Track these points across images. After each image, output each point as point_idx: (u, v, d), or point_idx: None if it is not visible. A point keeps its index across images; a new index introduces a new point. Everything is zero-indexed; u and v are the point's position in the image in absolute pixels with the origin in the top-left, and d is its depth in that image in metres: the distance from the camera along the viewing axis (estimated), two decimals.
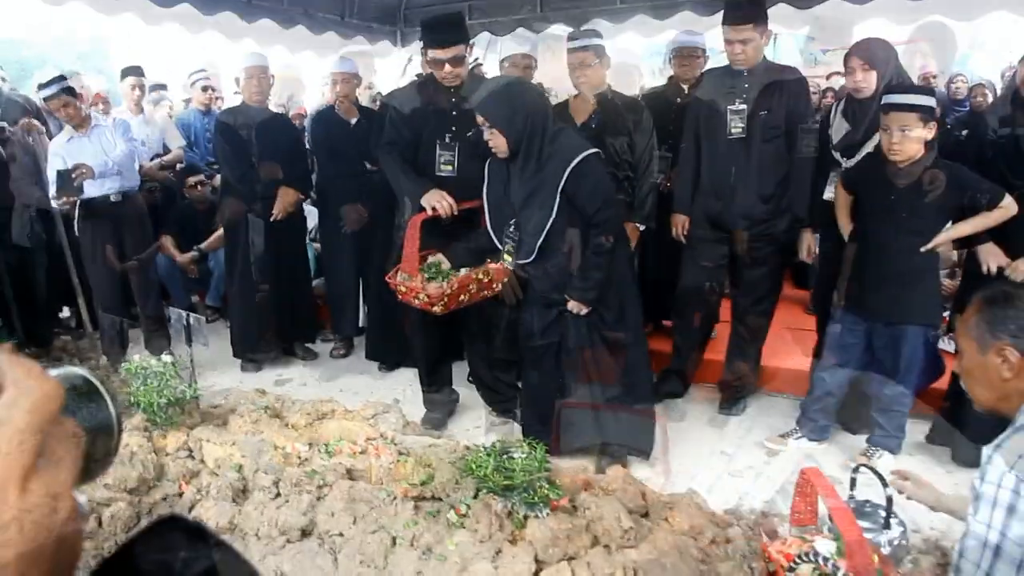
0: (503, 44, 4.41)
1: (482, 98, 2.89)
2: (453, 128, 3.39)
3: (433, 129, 3.40)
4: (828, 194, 3.40)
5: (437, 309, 3.06)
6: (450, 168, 3.38)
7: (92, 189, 4.38)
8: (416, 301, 3.07)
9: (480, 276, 3.12)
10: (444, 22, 3.39)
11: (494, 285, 3.20)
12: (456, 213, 3.20)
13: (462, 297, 3.09)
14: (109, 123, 4.61)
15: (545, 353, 3.14)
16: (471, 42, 3.41)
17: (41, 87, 4.43)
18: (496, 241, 3.06)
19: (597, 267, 2.96)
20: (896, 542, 2.50)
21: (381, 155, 3.51)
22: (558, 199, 2.90)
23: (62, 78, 4.45)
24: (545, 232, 2.94)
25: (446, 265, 3.14)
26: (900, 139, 2.87)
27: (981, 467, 1.55)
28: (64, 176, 4.14)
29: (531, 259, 3.00)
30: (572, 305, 3.01)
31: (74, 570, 0.42)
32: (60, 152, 4.37)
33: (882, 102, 2.96)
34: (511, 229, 2.99)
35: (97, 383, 0.51)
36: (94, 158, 4.33)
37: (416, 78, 3.92)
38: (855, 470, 2.65)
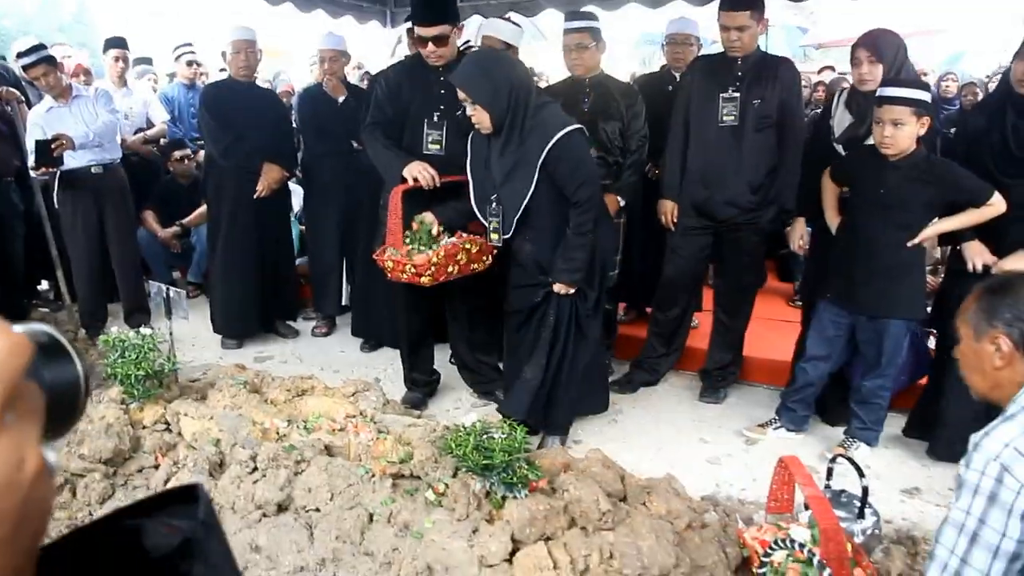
0: (484, 27, 4.36)
1: (464, 73, 2.86)
2: (441, 107, 3.36)
3: (420, 108, 3.38)
4: None
5: (425, 280, 3.04)
6: (437, 147, 3.35)
7: (72, 160, 4.31)
8: (404, 276, 3.06)
9: (468, 246, 3.12)
10: (431, 0, 3.33)
11: (484, 258, 3.20)
12: (438, 184, 3.17)
13: (451, 268, 3.08)
14: (91, 94, 4.54)
15: (527, 331, 3.13)
16: (460, 23, 3.37)
17: (20, 55, 4.35)
18: (481, 218, 3.04)
19: (580, 247, 2.94)
20: (869, 531, 2.53)
21: (365, 135, 3.48)
22: (537, 173, 2.88)
23: (42, 46, 4.36)
24: (523, 207, 2.92)
25: (433, 226, 3.13)
26: (892, 132, 2.87)
27: (967, 454, 1.56)
28: (42, 146, 4.07)
29: (509, 235, 2.99)
30: (558, 287, 3.01)
31: (44, 529, 0.40)
32: (39, 122, 4.30)
33: (876, 94, 2.95)
34: (493, 205, 2.97)
35: (63, 340, 0.49)
36: (75, 129, 4.26)
37: (404, 59, 3.88)
38: (832, 460, 2.67)
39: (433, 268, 3.02)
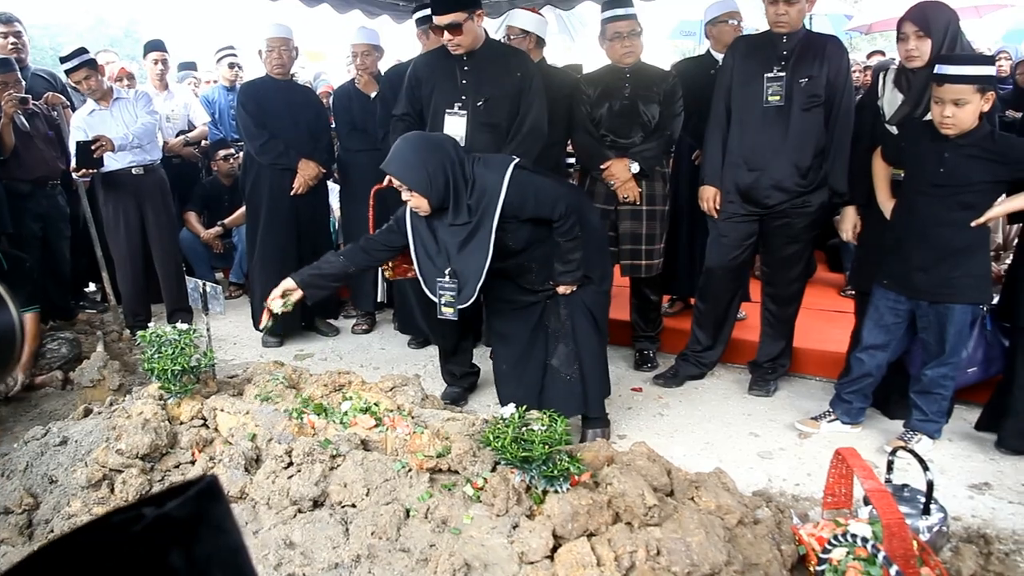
0: (508, 18, 4.30)
1: (397, 161, 2.76)
2: (463, 97, 3.33)
3: (441, 98, 3.35)
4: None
5: (387, 274, 3.21)
6: (458, 138, 3.29)
7: (113, 162, 4.36)
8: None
9: None
10: None
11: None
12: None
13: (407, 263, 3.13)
14: (131, 97, 4.59)
15: (535, 329, 3.12)
16: (479, 10, 3.29)
17: (63, 60, 4.41)
18: (429, 294, 2.95)
19: (573, 249, 2.91)
20: (936, 528, 2.37)
21: (391, 126, 3.50)
22: (493, 238, 2.80)
23: (83, 51, 4.42)
24: (483, 275, 2.85)
25: None
26: (954, 112, 2.70)
27: None
28: (83, 148, 4.12)
29: (469, 303, 2.90)
30: (563, 289, 2.98)
31: None
32: (81, 125, 4.36)
33: (935, 72, 2.75)
34: (447, 279, 2.88)
35: None
36: (115, 131, 4.30)
37: (432, 50, 3.84)
38: (892, 453, 2.52)
39: (392, 264, 3.12)
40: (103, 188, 4.49)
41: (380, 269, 3.28)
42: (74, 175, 4.33)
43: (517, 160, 2.89)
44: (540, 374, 3.11)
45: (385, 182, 3.21)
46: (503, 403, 2.81)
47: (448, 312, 2.93)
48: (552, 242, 2.92)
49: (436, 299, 2.93)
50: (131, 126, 4.36)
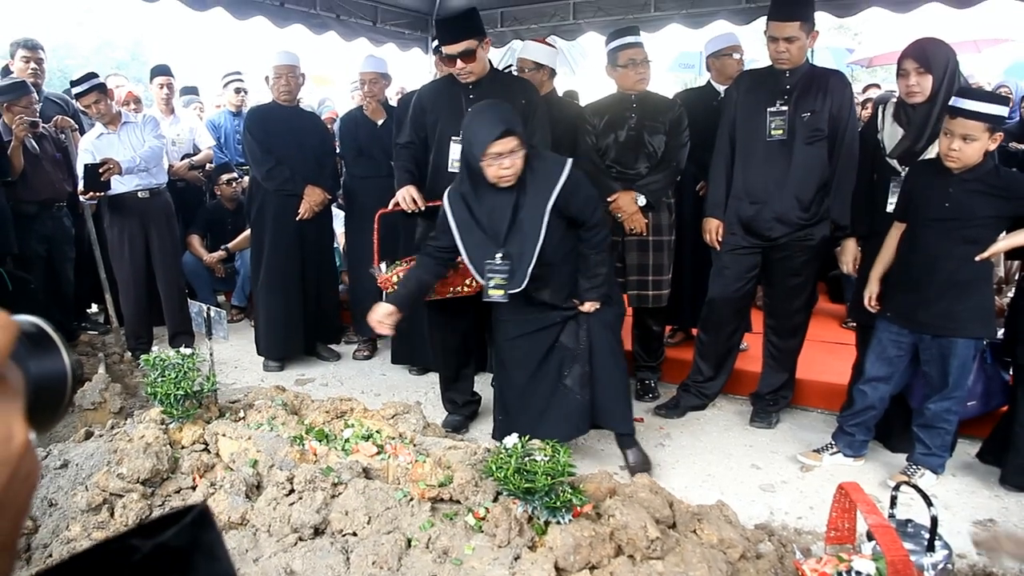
0: (520, 50, 4.37)
1: (503, 124, 2.77)
2: None
3: (446, 126, 3.39)
4: (892, 206, 3.16)
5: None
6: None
7: (120, 185, 4.39)
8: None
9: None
10: (453, 17, 3.37)
11: (467, 281, 3.18)
12: (421, 208, 3.33)
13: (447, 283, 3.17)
14: (139, 120, 4.63)
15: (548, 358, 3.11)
16: (487, 37, 3.36)
17: (73, 84, 4.47)
18: (479, 277, 2.95)
19: (601, 263, 2.97)
20: (941, 566, 2.35)
21: (395, 153, 3.58)
22: (546, 221, 2.83)
23: (93, 75, 4.48)
24: (535, 257, 2.86)
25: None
26: (961, 147, 2.73)
27: None
28: (91, 171, 4.15)
29: (523, 286, 2.89)
30: (587, 306, 2.99)
31: (28, 504, 0.41)
32: (89, 148, 4.39)
33: (950, 104, 2.78)
34: (498, 261, 2.88)
35: (52, 333, 0.48)
36: (123, 154, 4.34)
37: (436, 79, 3.92)
38: (896, 488, 2.51)
39: (395, 286, 3.16)
40: (109, 211, 4.51)
41: (379, 287, 3.32)
42: (81, 198, 4.36)
43: (572, 159, 2.97)
44: (545, 399, 3.10)
45: (391, 206, 3.26)
46: (500, 436, 2.72)
47: (496, 295, 2.92)
48: (575, 258, 2.95)
49: (484, 282, 2.93)
50: (138, 149, 4.40)
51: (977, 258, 2.80)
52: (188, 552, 0.43)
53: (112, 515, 2.51)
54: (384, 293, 4.33)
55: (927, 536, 2.35)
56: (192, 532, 0.43)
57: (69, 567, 0.41)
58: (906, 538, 2.34)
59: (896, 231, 3.06)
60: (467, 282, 3.22)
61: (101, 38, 25.88)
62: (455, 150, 3.36)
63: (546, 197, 2.82)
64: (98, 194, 4.29)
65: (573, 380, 3.06)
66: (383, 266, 3.37)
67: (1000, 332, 3.17)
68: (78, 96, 4.47)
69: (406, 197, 3.34)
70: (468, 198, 2.92)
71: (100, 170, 4.15)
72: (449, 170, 3.35)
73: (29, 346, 0.45)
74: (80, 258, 4.90)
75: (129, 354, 4.59)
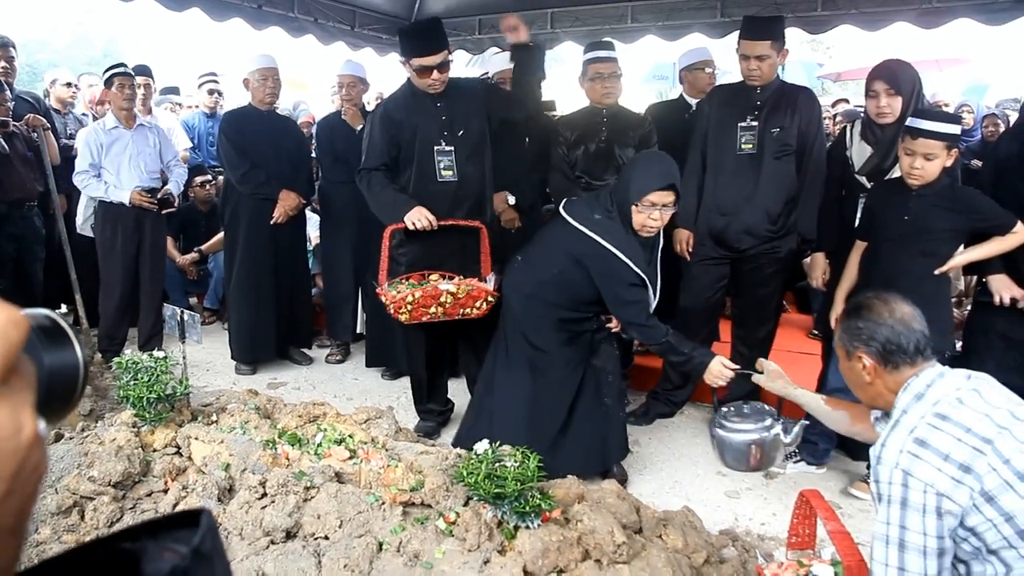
0: (495, 60, 4.41)
1: (671, 176, 2.84)
2: (445, 133, 3.36)
3: (426, 137, 3.35)
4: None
5: (403, 317, 3.17)
6: (451, 173, 3.35)
7: (119, 192, 4.45)
8: (390, 309, 3.18)
9: (454, 290, 3.13)
10: (428, 28, 3.35)
11: (477, 303, 3.19)
12: (435, 227, 3.21)
13: (433, 310, 3.15)
14: (153, 127, 4.67)
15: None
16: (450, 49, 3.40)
17: (107, 69, 4.53)
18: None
19: None
20: (793, 434, 2.59)
21: (360, 182, 3.43)
22: (659, 254, 3.03)
23: (123, 64, 4.57)
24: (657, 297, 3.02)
25: (438, 281, 3.25)
26: (923, 165, 2.82)
27: (872, 469, 1.67)
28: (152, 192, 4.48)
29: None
30: (615, 323, 3.13)
31: (37, 493, 0.42)
32: (100, 140, 4.42)
33: (909, 125, 2.86)
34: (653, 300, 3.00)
35: (65, 326, 0.49)
36: (127, 154, 4.41)
37: (394, 94, 3.61)
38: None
39: (409, 307, 3.12)
40: (103, 208, 4.51)
41: (390, 306, 3.19)
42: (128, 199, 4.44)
43: None
44: (560, 421, 3.10)
45: (410, 226, 3.17)
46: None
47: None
48: None
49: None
50: (143, 153, 4.48)
51: (936, 272, 2.90)
52: (213, 556, 0.45)
53: (83, 518, 2.51)
54: (360, 303, 4.36)
55: (773, 414, 2.59)
56: (215, 537, 0.46)
57: (88, 557, 0.43)
58: (750, 418, 2.56)
59: (857, 251, 3.15)
60: (440, 304, 3.19)
61: (76, 34, 25.51)
62: (440, 158, 3.35)
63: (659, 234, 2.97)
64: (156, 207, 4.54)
65: (612, 399, 3.13)
66: (387, 286, 3.25)
67: (958, 345, 3.28)
68: (116, 75, 4.43)
69: (420, 218, 3.18)
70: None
71: (160, 196, 4.43)
72: (439, 180, 3.34)
73: (43, 338, 0.46)
74: (50, 258, 4.85)
75: (99, 355, 4.55)
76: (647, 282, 2.91)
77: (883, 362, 1.74)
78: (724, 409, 2.65)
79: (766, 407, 2.63)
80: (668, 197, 2.79)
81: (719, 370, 2.78)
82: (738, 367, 2.79)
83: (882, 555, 1.61)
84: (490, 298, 3.21)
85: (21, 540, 0.42)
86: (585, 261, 2.90)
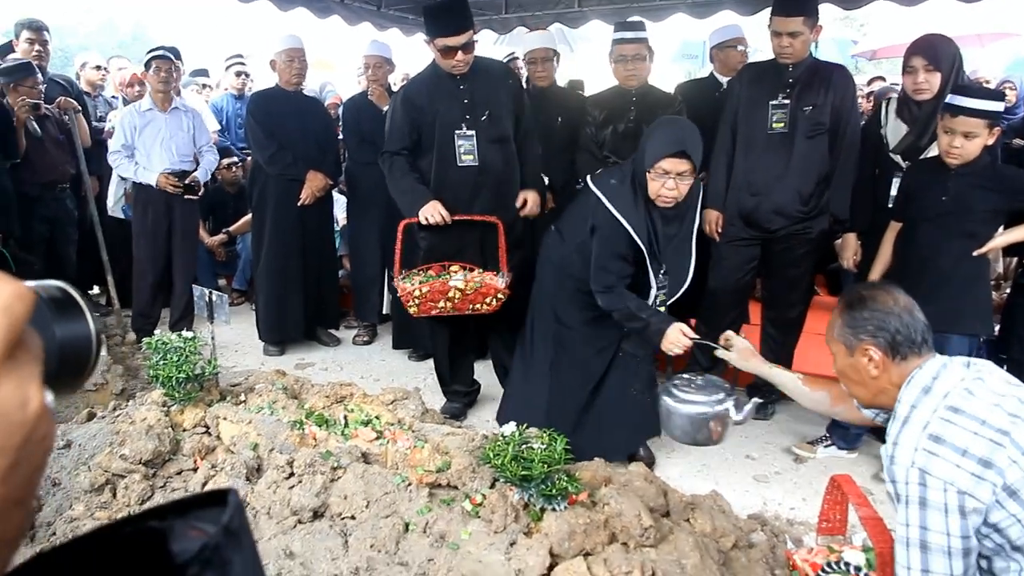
0: (526, 39, 4.36)
1: (695, 140, 2.71)
2: (468, 116, 3.31)
3: (447, 120, 3.31)
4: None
5: (412, 310, 3.18)
6: (471, 158, 3.31)
7: (149, 174, 4.48)
8: (402, 300, 3.21)
9: (463, 286, 3.11)
10: (452, 7, 3.24)
11: (487, 299, 3.17)
12: (449, 223, 3.19)
13: (442, 304, 3.14)
14: (189, 112, 4.68)
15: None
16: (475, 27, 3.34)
17: (150, 51, 4.56)
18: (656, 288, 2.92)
19: None
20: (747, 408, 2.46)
21: (383, 164, 3.41)
22: (694, 239, 2.92)
23: (163, 48, 4.59)
24: (688, 278, 2.93)
25: (456, 272, 3.23)
26: (963, 144, 2.74)
27: (885, 469, 1.60)
28: (180, 176, 4.46)
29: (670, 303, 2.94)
30: None
31: (44, 465, 0.42)
32: (131, 121, 4.45)
33: (949, 103, 2.77)
34: (661, 276, 2.89)
35: (77, 297, 0.48)
36: (160, 136, 4.45)
37: (418, 74, 3.59)
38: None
39: (417, 301, 3.13)
40: (136, 190, 4.57)
41: (400, 298, 3.22)
42: (159, 185, 4.46)
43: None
44: (613, 410, 3.09)
45: (423, 221, 3.18)
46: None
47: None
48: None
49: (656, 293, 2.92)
50: (176, 136, 4.50)
51: (975, 253, 2.82)
52: (240, 533, 0.45)
53: (115, 495, 2.55)
54: (386, 284, 4.36)
55: (728, 389, 2.47)
56: (242, 516, 0.46)
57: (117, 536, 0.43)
58: (703, 390, 2.45)
59: (892, 231, 3.07)
60: (448, 299, 3.18)
61: (104, 17, 25.77)
62: (462, 141, 3.32)
63: (693, 217, 2.90)
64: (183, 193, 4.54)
65: (642, 383, 3.11)
66: (402, 278, 3.27)
67: (996, 328, 3.20)
68: (156, 58, 4.45)
69: (434, 214, 3.19)
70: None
71: (187, 181, 4.44)
72: (459, 164, 3.31)
73: (54, 310, 0.46)
74: (82, 239, 4.92)
75: (132, 335, 4.61)
76: (646, 256, 2.80)
77: (892, 354, 1.67)
78: (677, 379, 2.55)
79: (722, 381, 2.55)
80: (682, 165, 2.64)
81: (676, 336, 2.64)
82: (697, 337, 2.67)
83: (904, 558, 1.55)
84: (500, 295, 3.18)
85: (28, 511, 0.42)
86: (596, 227, 2.83)
